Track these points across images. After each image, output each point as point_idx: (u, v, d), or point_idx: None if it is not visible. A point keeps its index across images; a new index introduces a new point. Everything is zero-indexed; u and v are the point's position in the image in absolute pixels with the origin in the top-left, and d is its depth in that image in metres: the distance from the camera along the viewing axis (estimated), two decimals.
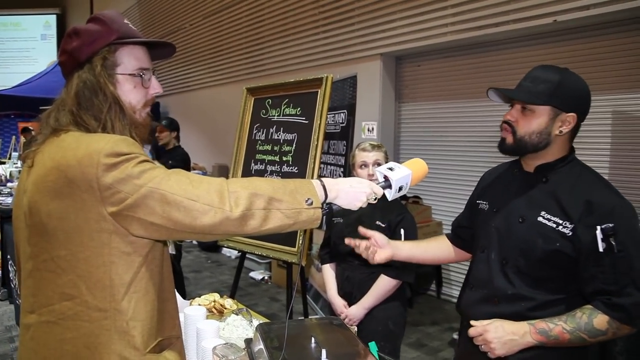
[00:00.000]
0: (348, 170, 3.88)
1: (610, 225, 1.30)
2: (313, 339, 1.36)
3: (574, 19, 3.54)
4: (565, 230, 1.36)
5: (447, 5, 4.38)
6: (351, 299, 2.32)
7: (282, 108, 3.03)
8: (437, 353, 3.87)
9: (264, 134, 3.14)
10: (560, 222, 1.37)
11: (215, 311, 2.16)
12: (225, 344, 1.55)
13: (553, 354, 1.37)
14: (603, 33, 3.66)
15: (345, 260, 2.37)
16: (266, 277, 5.69)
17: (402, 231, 2.25)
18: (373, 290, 2.26)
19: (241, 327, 1.94)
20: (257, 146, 3.16)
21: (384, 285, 2.25)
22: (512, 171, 1.59)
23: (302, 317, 3.38)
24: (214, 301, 2.21)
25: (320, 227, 1.27)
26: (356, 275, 2.32)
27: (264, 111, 3.17)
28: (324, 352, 1.28)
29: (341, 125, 4.15)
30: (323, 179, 1.16)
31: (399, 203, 2.43)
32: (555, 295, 1.39)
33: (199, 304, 2.16)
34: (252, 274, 5.83)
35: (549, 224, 1.39)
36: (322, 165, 4.41)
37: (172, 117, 4.87)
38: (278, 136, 3.02)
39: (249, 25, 7.17)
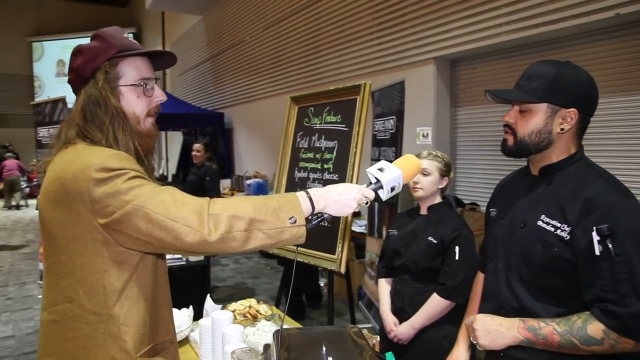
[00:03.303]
0: None
1: (606, 225, 1.17)
2: (324, 348, 1.35)
3: (638, 10, 3.30)
4: (563, 234, 1.26)
5: (501, 4, 4.22)
6: (402, 315, 2.25)
7: (324, 116, 3.05)
8: None
9: (306, 142, 3.17)
10: (559, 225, 1.27)
11: (249, 316, 2.21)
12: (245, 348, 1.59)
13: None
14: None
15: (396, 274, 2.33)
16: (322, 285, 5.70)
17: (456, 249, 2.13)
18: (424, 309, 2.17)
19: (270, 332, 1.97)
20: (300, 154, 3.20)
21: (435, 305, 2.15)
22: (521, 175, 1.51)
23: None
24: (250, 306, 2.26)
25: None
26: (406, 290, 2.26)
27: (306, 119, 3.21)
28: None
29: (390, 131, 4.10)
30: (310, 189, 1.17)
31: (456, 216, 2.30)
32: (560, 308, 1.29)
33: (234, 309, 2.22)
34: None
35: (548, 227, 1.29)
36: None
37: None
38: (320, 144, 3.05)
39: (307, 34, 7.29)
